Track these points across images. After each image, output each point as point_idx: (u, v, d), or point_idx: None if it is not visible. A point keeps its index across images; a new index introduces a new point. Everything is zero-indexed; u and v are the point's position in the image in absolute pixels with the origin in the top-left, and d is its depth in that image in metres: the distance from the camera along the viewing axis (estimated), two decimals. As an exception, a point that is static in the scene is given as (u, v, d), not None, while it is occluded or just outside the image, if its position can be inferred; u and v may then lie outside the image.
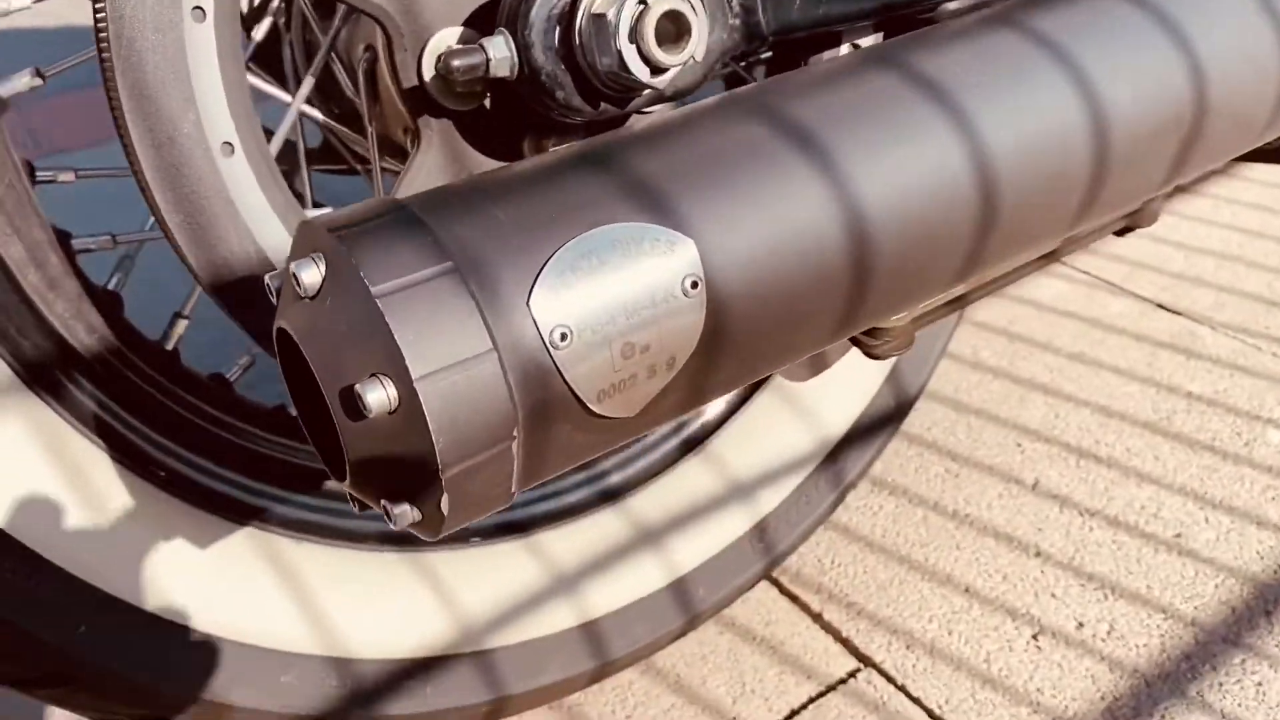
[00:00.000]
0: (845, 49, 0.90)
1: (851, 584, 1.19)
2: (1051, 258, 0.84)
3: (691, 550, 1.03)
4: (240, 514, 0.85)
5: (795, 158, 0.57)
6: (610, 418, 0.53)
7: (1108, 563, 1.18)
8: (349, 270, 0.47)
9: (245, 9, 1.00)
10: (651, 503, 1.03)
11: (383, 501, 0.51)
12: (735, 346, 0.56)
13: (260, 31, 0.92)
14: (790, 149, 0.57)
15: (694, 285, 0.53)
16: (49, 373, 0.77)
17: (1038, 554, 1.20)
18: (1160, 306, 1.61)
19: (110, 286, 0.86)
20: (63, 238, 0.81)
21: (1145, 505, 1.25)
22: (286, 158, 1.00)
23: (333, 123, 0.85)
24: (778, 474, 1.07)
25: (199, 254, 0.67)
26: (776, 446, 1.08)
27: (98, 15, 0.65)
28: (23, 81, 0.79)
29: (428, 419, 0.46)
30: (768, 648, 1.12)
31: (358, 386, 0.47)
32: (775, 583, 1.19)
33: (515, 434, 0.49)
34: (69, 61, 0.81)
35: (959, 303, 0.79)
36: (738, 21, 0.77)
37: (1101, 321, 1.58)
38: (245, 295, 0.69)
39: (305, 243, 0.50)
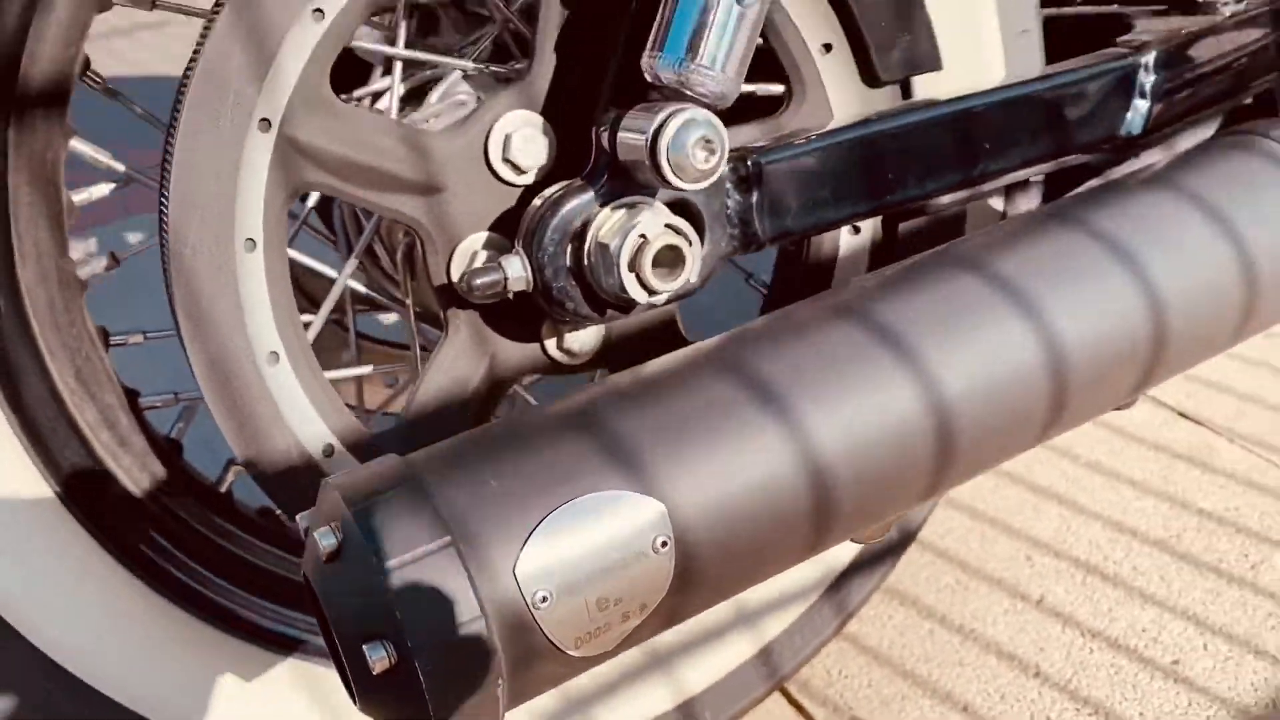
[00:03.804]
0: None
1: (856, 697, 1.25)
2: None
3: (699, 673, 1.10)
4: (281, 645, 0.94)
5: (753, 414, 0.64)
6: (588, 656, 0.61)
7: (1104, 687, 1.23)
8: (361, 544, 0.55)
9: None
10: (662, 627, 1.10)
11: (387, 730, 0.59)
12: (705, 586, 0.63)
13: (313, 199, 1.01)
14: (748, 406, 0.64)
15: (664, 544, 0.60)
16: (119, 528, 0.87)
17: (1037, 674, 1.25)
18: (1182, 415, 1.64)
19: (171, 435, 0.95)
20: (131, 397, 0.91)
21: (1147, 628, 1.30)
22: (340, 306, 1.09)
23: (374, 294, 0.94)
24: (783, 602, 1.14)
25: (245, 448, 0.76)
26: (783, 577, 1.14)
27: (162, 230, 0.74)
28: (100, 264, 0.89)
29: (421, 680, 0.54)
30: (771, 758, 1.19)
31: (364, 647, 0.55)
32: (784, 691, 1.26)
33: (500, 681, 0.57)
34: (143, 248, 0.91)
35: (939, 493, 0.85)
36: (735, 231, 0.84)
37: (1124, 430, 1.62)
38: (283, 483, 0.78)
39: (325, 509, 0.58)
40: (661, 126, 0.71)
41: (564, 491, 0.59)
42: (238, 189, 0.71)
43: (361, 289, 0.94)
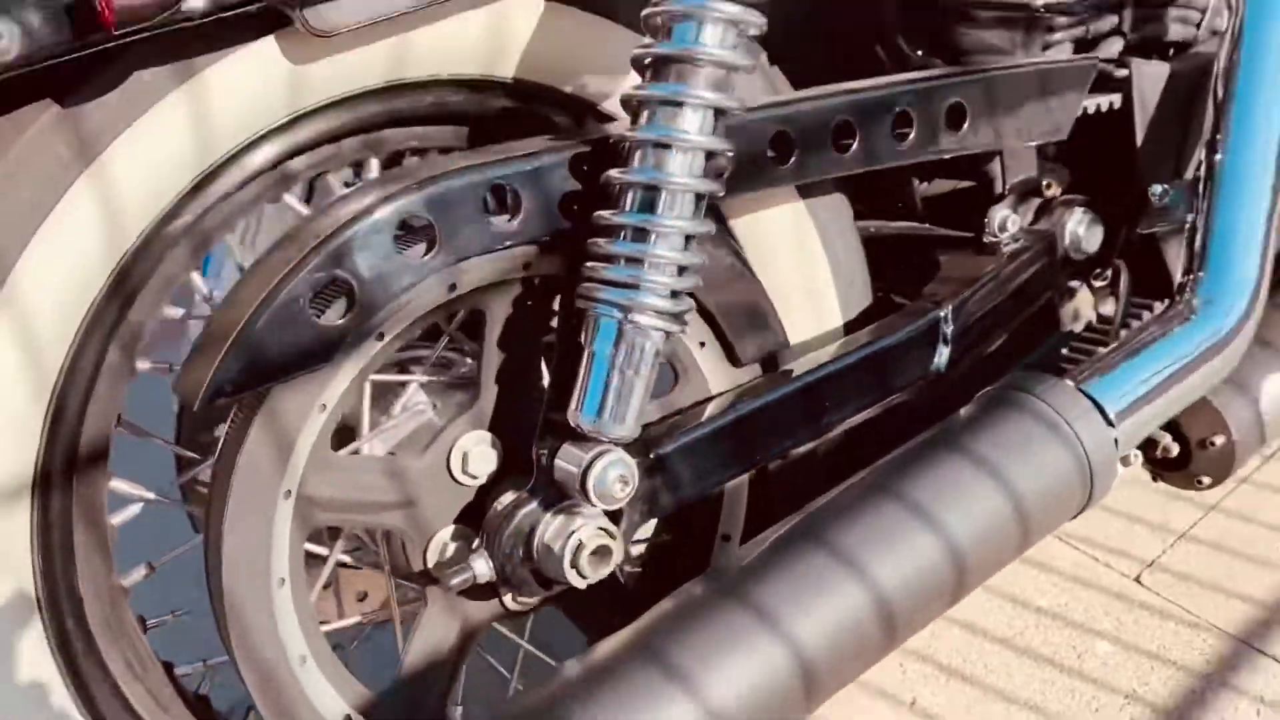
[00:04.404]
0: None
1: (770, 809, 1.51)
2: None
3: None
4: None
5: (670, 693, 0.89)
6: None
7: (967, 778, 1.52)
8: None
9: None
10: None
11: None
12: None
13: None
14: (665, 687, 0.89)
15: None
16: (171, 787, 1.08)
17: (914, 773, 1.54)
18: (1019, 517, 1.95)
19: (200, 692, 1.17)
20: (169, 669, 1.12)
21: (999, 720, 1.59)
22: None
23: (367, 567, 1.17)
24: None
25: (287, 733, 0.99)
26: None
27: (211, 579, 0.96)
28: (140, 574, 1.10)
29: None
30: None
31: None
32: (711, 810, 1.52)
33: None
34: (180, 549, 1.13)
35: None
36: (645, 508, 1.09)
37: (972, 534, 1.92)
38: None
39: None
40: (588, 468, 0.97)
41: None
42: (271, 546, 0.94)
43: (348, 560, 1.17)
